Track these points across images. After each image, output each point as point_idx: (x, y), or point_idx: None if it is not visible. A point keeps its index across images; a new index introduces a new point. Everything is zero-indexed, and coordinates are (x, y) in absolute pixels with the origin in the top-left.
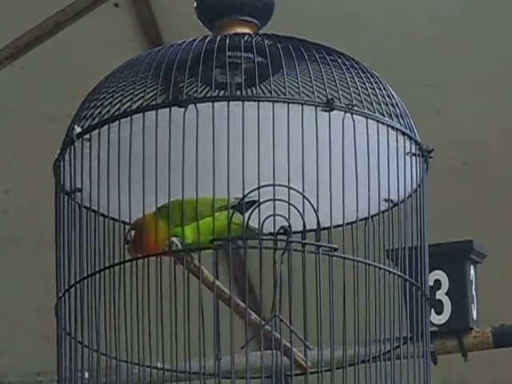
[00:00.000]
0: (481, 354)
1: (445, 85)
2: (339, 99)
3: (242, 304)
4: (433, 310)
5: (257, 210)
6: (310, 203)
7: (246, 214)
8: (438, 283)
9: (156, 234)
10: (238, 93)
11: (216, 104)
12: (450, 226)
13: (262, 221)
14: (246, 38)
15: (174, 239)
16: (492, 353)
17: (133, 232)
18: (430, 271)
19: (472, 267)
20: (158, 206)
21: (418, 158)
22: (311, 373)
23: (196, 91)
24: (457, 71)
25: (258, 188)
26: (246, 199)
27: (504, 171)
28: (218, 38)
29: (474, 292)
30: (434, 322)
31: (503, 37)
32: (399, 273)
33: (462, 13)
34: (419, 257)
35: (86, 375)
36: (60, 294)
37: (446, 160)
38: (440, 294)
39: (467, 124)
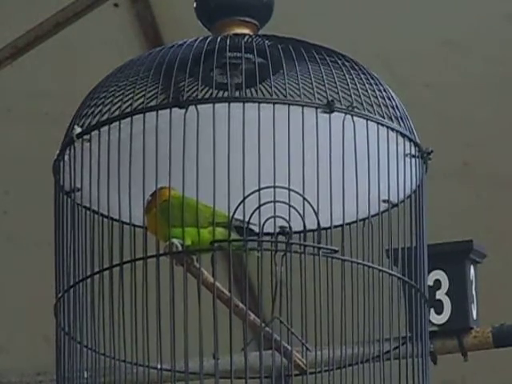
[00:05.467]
0: (481, 354)
1: (445, 85)
2: (339, 101)
3: (242, 305)
4: (433, 310)
5: (256, 213)
6: (310, 205)
7: (246, 219)
8: (437, 283)
9: (156, 228)
10: (238, 93)
11: (216, 105)
12: (449, 226)
13: (262, 223)
14: (246, 39)
15: (175, 240)
16: (492, 353)
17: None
18: (429, 271)
19: (472, 267)
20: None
21: (417, 160)
22: (310, 373)
23: (196, 91)
24: (457, 71)
25: (259, 190)
26: (246, 224)
27: (504, 171)
28: (219, 38)
29: (473, 292)
30: (434, 321)
31: (503, 37)
32: (399, 275)
33: (462, 13)
34: (418, 258)
35: (85, 375)
36: (59, 295)
37: (445, 160)
38: (440, 294)
39: (467, 124)
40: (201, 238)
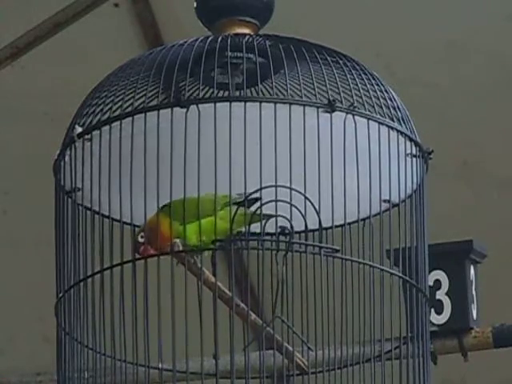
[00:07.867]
0: (481, 354)
1: (445, 85)
2: (341, 101)
3: (243, 305)
4: (433, 310)
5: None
6: (312, 204)
7: (248, 214)
8: (437, 283)
9: (159, 232)
10: (238, 93)
11: (217, 104)
12: (450, 225)
13: (263, 222)
14: (247, 39)
15: (177, 240)
16: (492, 353)
17: (142, 233)
18: (430, 271)
19: (472, 267)
20: (161, 205)
21: (418, 160)
22: (311, 373)
23: (197, 91)
24: (457, 71)
25: (260, 189)
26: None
27: (504, 171)
28: (220, 38)
29: (474, 292)
30: (434, 321)
31: (504, 37)
32: (400, 274)
33: (463, 13)
34: (419, 257)
35: (86, 375)
36: (60, 295)
37: (446, 160)
38: (440, 294)
39: (467, 124)
40: (208, 226)
